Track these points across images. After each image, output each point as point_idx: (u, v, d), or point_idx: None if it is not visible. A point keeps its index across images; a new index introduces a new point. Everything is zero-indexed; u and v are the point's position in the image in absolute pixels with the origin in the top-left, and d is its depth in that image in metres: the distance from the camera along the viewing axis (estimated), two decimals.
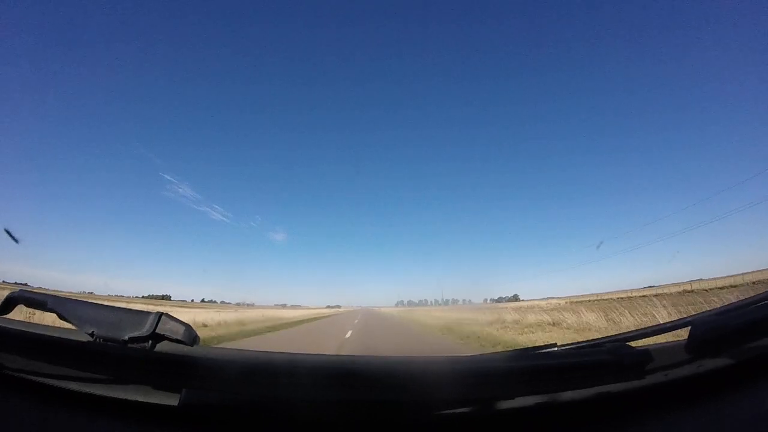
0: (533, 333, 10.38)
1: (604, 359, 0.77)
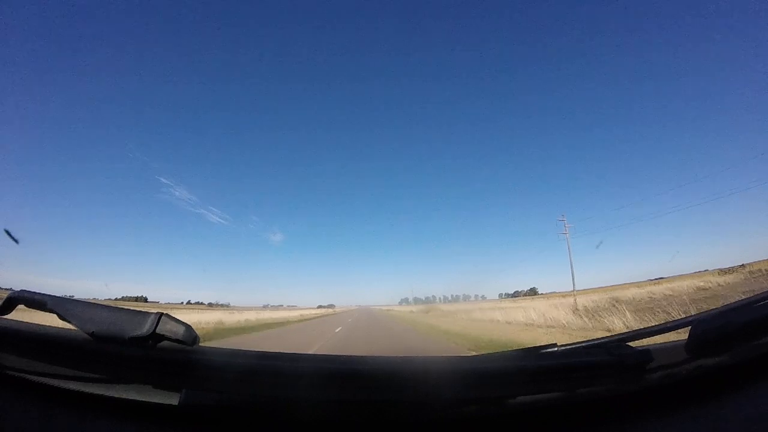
0: None
1: (604, 359, 0.76)
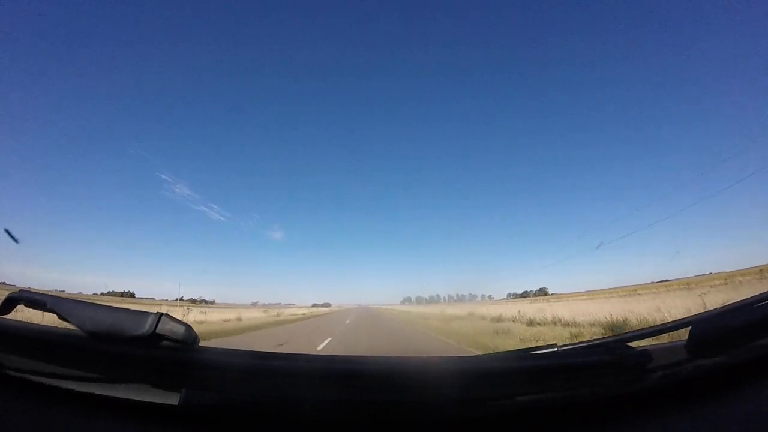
0: None
1: (604, 359, 0.76)
